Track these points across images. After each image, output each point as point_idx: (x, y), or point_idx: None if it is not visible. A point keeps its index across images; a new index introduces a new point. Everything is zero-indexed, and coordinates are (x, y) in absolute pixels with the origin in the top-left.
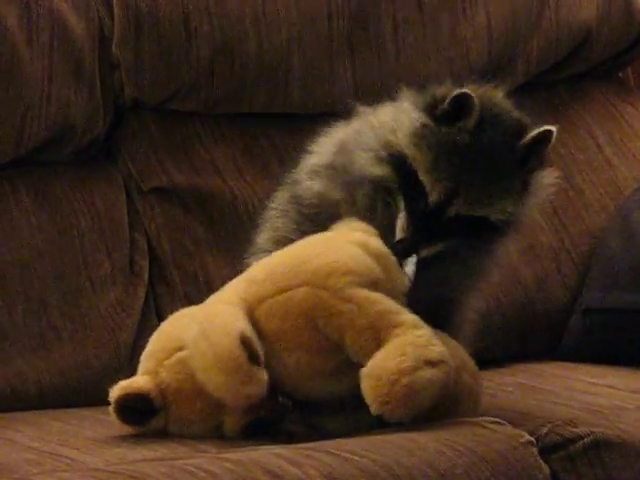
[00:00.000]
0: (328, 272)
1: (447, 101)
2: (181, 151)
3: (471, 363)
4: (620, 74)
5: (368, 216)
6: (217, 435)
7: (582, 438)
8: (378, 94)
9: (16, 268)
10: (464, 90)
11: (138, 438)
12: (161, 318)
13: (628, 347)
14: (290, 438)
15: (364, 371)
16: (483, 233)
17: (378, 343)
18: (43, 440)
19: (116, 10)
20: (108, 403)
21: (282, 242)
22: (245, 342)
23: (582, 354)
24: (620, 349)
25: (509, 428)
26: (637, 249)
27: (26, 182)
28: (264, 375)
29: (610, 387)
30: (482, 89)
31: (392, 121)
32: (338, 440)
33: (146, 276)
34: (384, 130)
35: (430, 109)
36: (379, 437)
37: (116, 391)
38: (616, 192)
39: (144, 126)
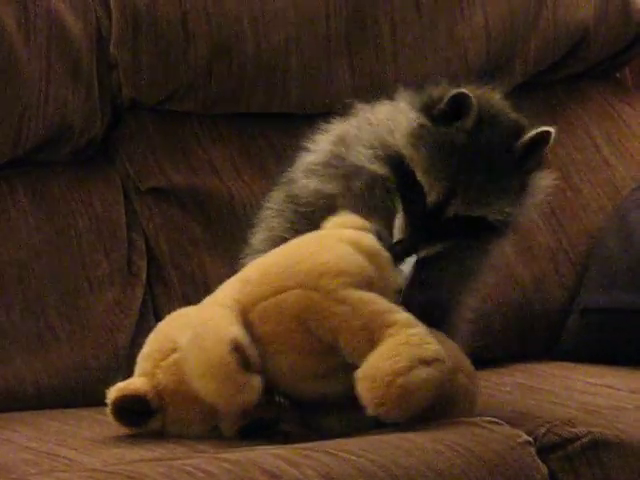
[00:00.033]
0: (320, 274)
1: (445, 101)
2: (179, 151)
3: (467, 363)
4: (618, 74)
5: (364, 206)
6: (215, 435)
7: (580, 438)
8: (376, 94)
9: (14, 268)
10: (462, 90)
11: (136, 438)
12: (159, 318)
13: (626, 347)
14: (287, 438)
15: (359, 373)
16: (481, 233)
17: (372, 344)
18: (41, 440)
19: (114, 10)
20: (106, 404)
21: (277, 242)
22: (237, 348)
23: (580, 354)
24: (618, 349)
25: (507, 428)
26: (635, 249)
27: (24, 182)
28: (257, 381)
29: (608, 387)
30: (479, 90)
31: (389, 121)
32: (336, 440)
33: (144, 276)
34: (381, 129)
35: (427, 109)
36: (377, 437)
37: (113, 393)
38: (614, 192)
39: (142, 126)
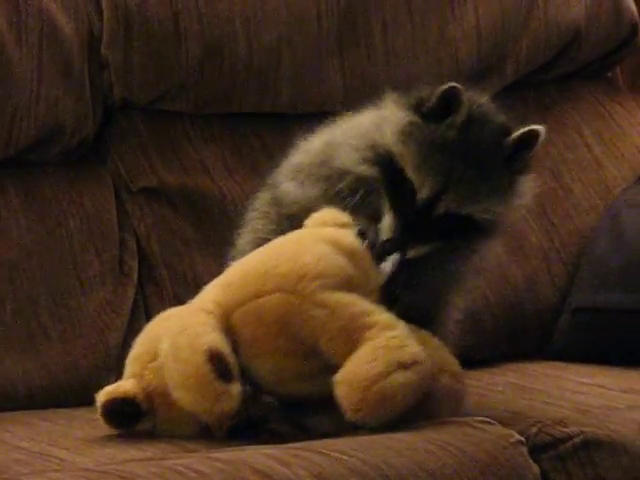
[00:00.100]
0: (299, 277)
1: (435, 96)
2: (170, 151)
3: (453, 363)
4: (609, 74)
5: (346, 209)
6: (206, 435)
7: (572, 438)
8: (367, 94)
9: (4, 269)
10: (452, 84)
11: (128, 438)
12: (150, 318)
13: (618, 346)
14: (274, 437)
15: (337, 377)
16: (468, 234)
17: (351, 347)
18: (33, 440)
19: (105, 10)
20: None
21: (262, 244)
22: (213, 358)
23: (572, 354)
24: (610, 349)
25: (499, 428)
26: (626, 249)
27: (15, 183)
28: (236, 389)
29: (600, 387)
30: (468, 92)
31: (379, 119)
32: (327, 440)
33: (135, 276)
34: (370, 131)
35: (417, 107)
36: (368, 437)
37: (102, 396)
38: (605, 192)
39: (133, 126)
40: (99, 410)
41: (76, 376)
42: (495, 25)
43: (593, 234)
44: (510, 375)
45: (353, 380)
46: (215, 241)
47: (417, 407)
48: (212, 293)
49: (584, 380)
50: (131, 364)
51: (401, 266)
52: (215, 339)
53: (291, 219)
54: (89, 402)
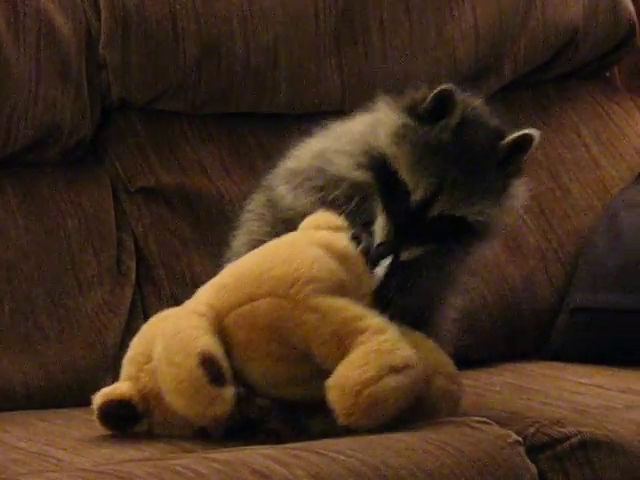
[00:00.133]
0: (291, 281)
1: (429, 98)
2: (168, 151)
3: (448, 364)
4: (607, 73)
5: (342, 215)
6: (203, 435)
7: (570, 438)
8: (365, 93)
9: (2, 269)
10: (446, 86)
11: (125, 438)
12: (148, 318)
13: (615, 347)
14: (271, 437)
15: (329, 382)
16: (461, 236)
17: (343, 351)
18: (30, 440)
19: (103, 10)
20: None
21: (257, 246)
22: (206, 361)
23: (569, 354)
24: (607, 349)
25: (496, 428)
26: (624, 249)
27: (13, 183)
28: (229, 393)
29: (598, 387)
30: (462, 94)
31: (373, 122)
32: (326, 440)
33: (133, 276)
34: (363, 135)
35: (410, 109)
36: (367, 437)
37: (98, 398)
38: (603, 192)
39: (131, 126)
40: (95, 412)
41: (74, 376)
42: (493, 25)
43: (591, 234)
44: (508, 375)
45: (345, 385)
46: (213, 241)
47: (412, 410)
48: (206, 295)
49: (582, 380)
50: (127, 365)
51: (394, 268)
52: (208, 342)
53: (286, 222)
54: (87, 402)
